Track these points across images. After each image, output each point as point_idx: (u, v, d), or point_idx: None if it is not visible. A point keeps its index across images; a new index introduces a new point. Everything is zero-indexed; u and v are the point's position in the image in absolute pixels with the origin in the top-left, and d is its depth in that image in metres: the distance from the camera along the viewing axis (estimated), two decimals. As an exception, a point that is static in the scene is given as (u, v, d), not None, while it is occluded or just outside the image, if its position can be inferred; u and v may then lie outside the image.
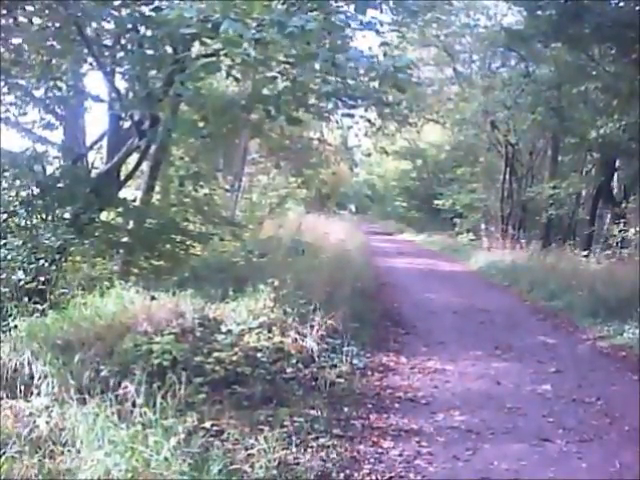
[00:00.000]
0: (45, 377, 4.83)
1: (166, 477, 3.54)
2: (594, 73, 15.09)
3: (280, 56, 6.51)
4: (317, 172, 26.06)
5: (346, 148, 26.00)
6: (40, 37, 7.74)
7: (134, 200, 10.89)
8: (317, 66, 6.06)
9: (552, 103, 17.63)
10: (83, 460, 3.71)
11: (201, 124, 7.90)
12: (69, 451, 3.87)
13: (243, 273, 8.96)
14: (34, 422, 4.20)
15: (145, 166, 11.46)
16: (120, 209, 9.79)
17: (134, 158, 9.86)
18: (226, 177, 18.56)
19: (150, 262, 10.10)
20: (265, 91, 7.91)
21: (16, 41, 8.72)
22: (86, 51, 7.91)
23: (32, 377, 4.89)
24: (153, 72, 7.55)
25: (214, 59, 6.33)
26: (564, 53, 15.63)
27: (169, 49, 7.11)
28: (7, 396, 4.66)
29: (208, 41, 6.26)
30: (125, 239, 9.71)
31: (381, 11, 9.12)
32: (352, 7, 6.91)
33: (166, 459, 3.66)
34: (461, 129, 24.76)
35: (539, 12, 13.46)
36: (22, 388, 4.77)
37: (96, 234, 8.95)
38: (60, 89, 8.64)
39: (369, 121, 15.03)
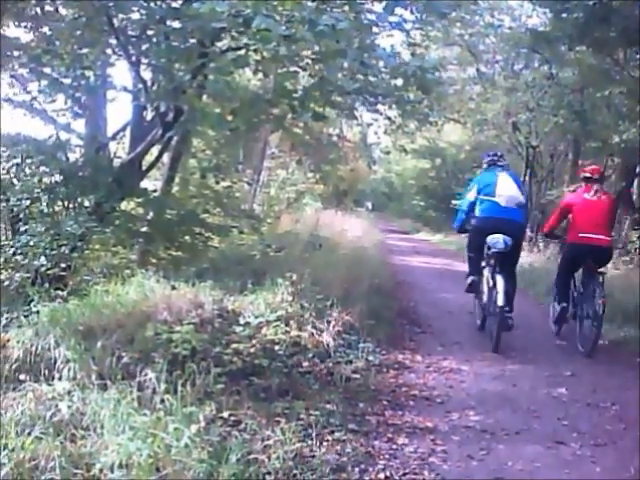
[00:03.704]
0: (67, 362, 4.91)
1: (186, 464, 3.60)
2: (618, 77, 14.96)
3: (307, 52, 6.54)
4: (335, 168, 26.06)
5: (365, 145, 25.99)
6: (71, 27, 7.83)
7: (154, 191, 11.00)
8: (345, 64, 6.07)
9: (575, 106, 17.49)
10: (104, 444, 3.78)
11: (229, 117, 7.94)
12: (90, 435, 3.94)
13: (261, 266, 9.01)
14: (56, 406, 4.28)
15: (165, 157, 11.58)
16: (141, 199, 9.89)
17: (155, 149, 9.96)
18: (245, 170, 18.68)
19: (169, 252, 10.21)
20: (288, 86, 7.95)
21: (46, 30, 8.82)
22: (113, 41, 7.98)
23: (54, 361, 4.97)
24: (177, 64, 7.61)
25: (243, 53, 6.37)
26: (589, 56, 15.47)
27: (195, 42, 7.15)
28: (30, 379, 4.74)
29: (236, 35, 6.30)
30: (145, 229, 9.82)
31: (410, 10, 9.08)
32: (380, 6, 6.92)
33: (186, 446, 3.72)
34: (482, 129, 24.64)
35: (564, 14, 13.35)
36: (45, 372, 4.86)
37: (116, 223, 9.05)
38: (87, 78, 8.75)
39: (389, 119, 14.97)
